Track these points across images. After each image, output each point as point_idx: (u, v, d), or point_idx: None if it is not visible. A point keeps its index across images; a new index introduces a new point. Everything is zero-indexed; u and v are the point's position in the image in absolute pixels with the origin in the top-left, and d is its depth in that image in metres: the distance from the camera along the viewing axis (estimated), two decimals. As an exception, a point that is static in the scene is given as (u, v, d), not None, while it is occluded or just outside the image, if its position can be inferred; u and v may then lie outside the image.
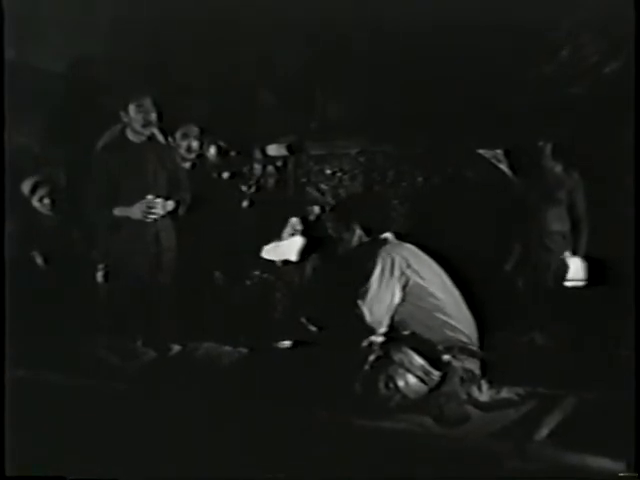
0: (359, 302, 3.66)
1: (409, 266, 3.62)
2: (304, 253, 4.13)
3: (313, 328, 3.91)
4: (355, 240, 3.83)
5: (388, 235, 3.79)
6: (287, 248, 4.16)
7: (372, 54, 4.10)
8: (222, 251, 4.29)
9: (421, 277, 3.59)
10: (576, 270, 3.82)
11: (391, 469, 3.12)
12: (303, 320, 3.94)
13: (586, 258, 3.83)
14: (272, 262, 4.17)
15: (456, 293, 3.63)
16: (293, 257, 4.14)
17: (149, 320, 4.23)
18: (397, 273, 3.61)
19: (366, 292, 3.68)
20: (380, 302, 3.62)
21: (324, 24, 4.06)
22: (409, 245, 3.73)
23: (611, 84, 3.74)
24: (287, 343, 3.85)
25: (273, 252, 4.22)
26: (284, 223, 4.20)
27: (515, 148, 3.97)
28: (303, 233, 4.16)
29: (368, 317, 3.64)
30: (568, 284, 3.78)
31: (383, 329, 3.62)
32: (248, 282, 4.23)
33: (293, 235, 4.17)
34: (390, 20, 3.94)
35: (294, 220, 4.17)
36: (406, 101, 4.05)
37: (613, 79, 3.74)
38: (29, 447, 3.51)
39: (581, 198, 3.87)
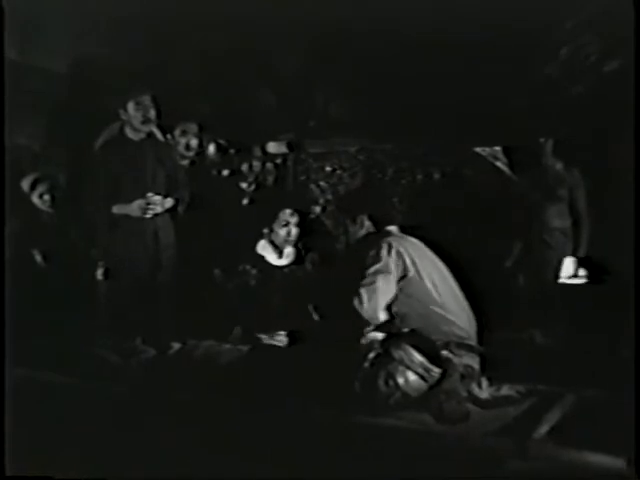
0: (361, 291, 3.62)
1: (411, 259, 3.61)
2: (300, 245, 4.16)
3: (316, 317, 3.90)
4: (362, 232, 3.81)
5: (392, 228, 3.78)
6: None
7: (372, 53, 4.11)
8: (221, 249, 4.29)
9: (421, 271, 3.59)
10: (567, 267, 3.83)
11: (391, 467, 3.10)
12: (310, 308, 3.94)
13: (586, 256, 3.84)
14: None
15: (456, 288, 3.63)
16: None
17: (149, 318, 4.24)
18: (397, 262, 3.60)
19: (369, 284, 3.64)
20: (380, 294, 3.61)
21: (324, 24, 4.06)
22: (411, 238, 3.72)
23: (611, 83, 3.74)
24: (282, 334, 3.87)
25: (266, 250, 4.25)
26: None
27: (516, 146, 3.97)
28: (299, 225, 4.18)
29: (365, 305, 3.61)
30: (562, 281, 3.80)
31: (382, 319, 3.60)
32: (248, 280, 4.23)
33: (285, 226, 4.19)
34: (390, 20, 3.94)
35: (287, 211, 4.19)
36: (406, 99, 4.05)
37: (613, 78, 3.75)
38: (29, 447, 3.50)
39: (582, 195, 3.87)
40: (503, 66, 3.93)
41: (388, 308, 3.58)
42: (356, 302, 3.56)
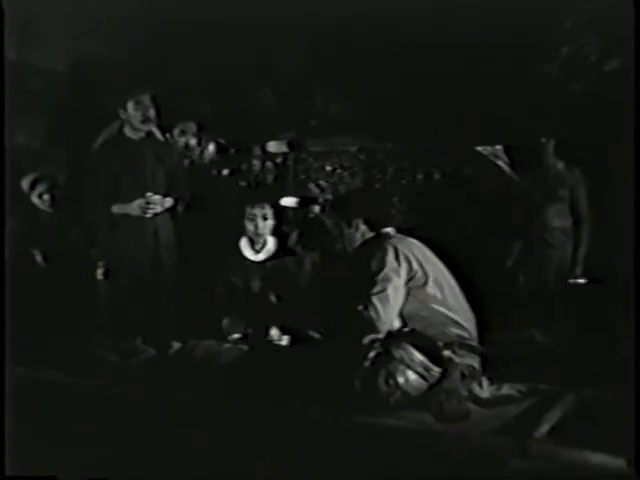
0: (374, 299, 3.61)
1: (417, 260, 3.61)
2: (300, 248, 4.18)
3: (316, 335, 3.91)
4: (358, 236, 3.82)
5: (389, 230, 3.79)
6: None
7: (372, 53, 4.11)
8: (222, 248, 4.29)
9: (427, 272, 3.59)
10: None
11: (391, 467, 3.10)
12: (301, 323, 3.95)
13: (587, 256, 3.84)
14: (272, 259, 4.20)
15: (457, 288, 3.64)
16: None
17: (149, 318, 4.24)
18: (404, 266, 3.60)
19: (381, 291, 3.63)
20: (393, 301, 3.60)
21: (324, 24, 4.06)
22: (412, 239, 3.73)
23: (611, 82, 3.74)
24: (275, 333, 3.89)
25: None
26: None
27: (517, 146, 3.97)
28: (274, 217, 4.20)
29: (381, 315, 3.59)
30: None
31: (397, 326, 3.60)
32: (248, 279, 4.23)
33: (252, 220, 4.20)
34: (390, 20, 3.94)
35: (249, 206, 4.20)
36: (406, 99, 4.05)
37: (613, 78, 3.74)
38: (29, 447, 3.50)
39: (583, 195, 3.87)
40: (503, 66, 3.93)
41: (400, 313, 3.59)
42: (372, 312, 3.55)
